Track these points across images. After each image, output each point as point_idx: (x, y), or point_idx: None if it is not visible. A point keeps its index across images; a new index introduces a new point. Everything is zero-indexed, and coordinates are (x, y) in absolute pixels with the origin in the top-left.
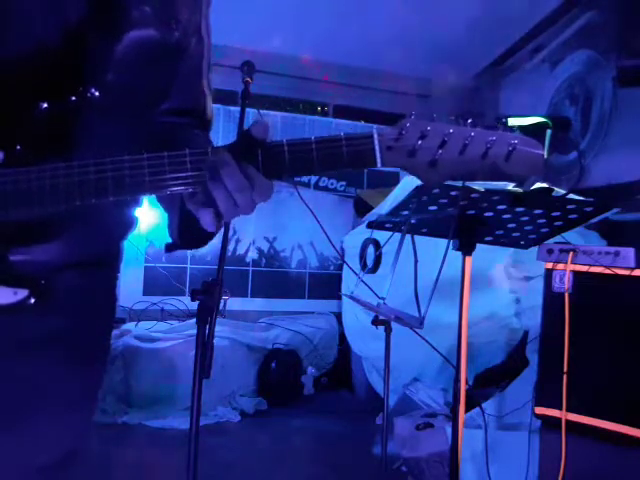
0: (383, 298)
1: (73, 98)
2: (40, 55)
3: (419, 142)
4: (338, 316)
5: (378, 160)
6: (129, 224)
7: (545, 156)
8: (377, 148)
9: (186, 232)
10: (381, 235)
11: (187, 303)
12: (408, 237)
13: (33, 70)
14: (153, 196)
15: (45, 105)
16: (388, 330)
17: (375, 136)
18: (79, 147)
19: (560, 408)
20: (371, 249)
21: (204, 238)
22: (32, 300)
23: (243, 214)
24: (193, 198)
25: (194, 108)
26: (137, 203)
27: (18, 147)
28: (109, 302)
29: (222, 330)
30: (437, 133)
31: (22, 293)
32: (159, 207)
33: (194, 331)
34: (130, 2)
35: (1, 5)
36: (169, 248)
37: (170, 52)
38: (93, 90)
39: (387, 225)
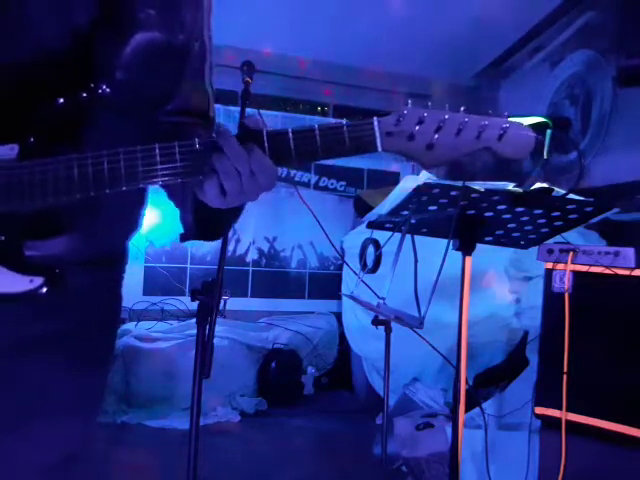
0: (383, 298)
1: (84, 94)
2: (52, 55)
3: (417, 127)
4: (338, 316)
5: (379, 145)
6: (135, 224)
7: (536, 138)
8: (377, 134)
9: (201, 223)
10: (381, 235)
11: (187, 303)
12: (408, 237)
13: (45, 69)
14: (162, 189)
15: (57, 101)
16: (388, 330)
17: (375, 122)
18: (89, 142)
19: (560, 408)
20: (371, 249)
21: (219, 228)
22: (45, 289)
23: (249, 199)
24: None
25: (198, 108)
26: (142, 203)
27: (31, 139)
28: (114, 303)
29: (222, 330)
30: (433, 119)
31: (37, 281)
32: (162, 207)
33: (194, 331)
34: (136, 5)
35: (17, 10)
36: (183, 238)
37: (175, 54)
38: (104, 87)
39: (387, 225)
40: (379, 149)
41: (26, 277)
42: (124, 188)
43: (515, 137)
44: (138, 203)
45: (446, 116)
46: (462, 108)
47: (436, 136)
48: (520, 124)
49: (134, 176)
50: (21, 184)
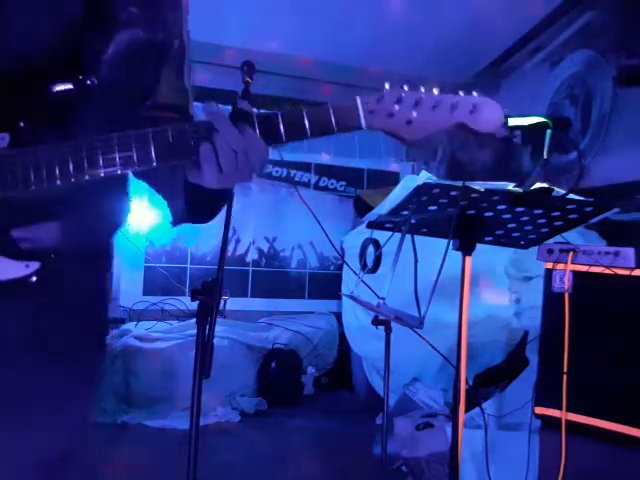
0: (383, 298)
1: (72, 86)
2: (43, 49)
3: (396, 106)
4: (338, 316)
5: (363, 122)
6: (119, 219)
7: (504, 112)
8: (361, 112)
9: (193, 207)
10: (381, 235)
11: (187, 303)
12: (408, 237)
13: (36, 62)
14: (148, 184)
15: (47, 92)
16: (388, 330)
17: (359, 102)
18: (76, 132)
19: (560, 408)
20: (371, 249)
21: (211, 210)
22: (40, 276)
23: (242, 178)
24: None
25: (177, 104)
26: (125, 199)
27: (22, 129)
28: (99, 298)
29: (222, 330)
30: (410, 97)
31: (34, 266)
32: (158, 202)
33: (194, 331)
34: (119, 4)
35: (14, 7)
36: (175, 223)
37: (156, 51)
38: (91, 79)
39: (387, 225)
40: (363, 126)
41: (22, 263)
42: (119, 172)
43: (485, 111)
44: (121, 199)
45: (422, 95)
46: (435, 89)
47: (414, 113)
48: (489, 100)
49: (129, 160)
50: (14, 171)
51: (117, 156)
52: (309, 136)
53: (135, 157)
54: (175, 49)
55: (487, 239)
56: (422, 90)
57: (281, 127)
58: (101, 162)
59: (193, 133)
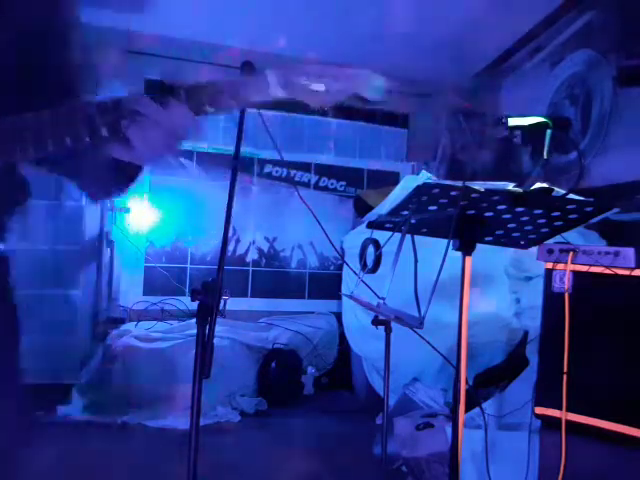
0: (383, 298)
1: None
2: None
3: (303, 78)
4: (338, 316)
5: (279, 93)
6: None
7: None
8: (276, 85)
9: (117, 176)
10: (381, 235)
11: (187, 303)
12: (408, 237)
13: None
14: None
15: None
16: (388, 330)
17: (270, 76)
18: None
19: (560, 408)
20: (371, 249)
21: (132, 179)
22: None
23: (169, 151)
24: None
25: (73, 84)
26: (18, 186)
27: None
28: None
29: (222, 330)
30: (314, 70)
31: None
32: (162, 207)
33: (194, 331)
34: None
35: None
36: (94, 200)
37: (50, 32)
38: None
39: (387, 225)
40: (280, 96)
41: None
42: (50, 149)
43: (371, 82)
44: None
45: (320, 69)
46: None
47: (319, 83)
48: (372, 72)
49: (60, 141)
50: None
51: (49, 138)
52: (234, 106)
53: (67, 138)
54: (67, 29)
55: (487, 239)
56: (320, 65)
57: (205, 98)
58: (31, 144)
59: (119, 111)
